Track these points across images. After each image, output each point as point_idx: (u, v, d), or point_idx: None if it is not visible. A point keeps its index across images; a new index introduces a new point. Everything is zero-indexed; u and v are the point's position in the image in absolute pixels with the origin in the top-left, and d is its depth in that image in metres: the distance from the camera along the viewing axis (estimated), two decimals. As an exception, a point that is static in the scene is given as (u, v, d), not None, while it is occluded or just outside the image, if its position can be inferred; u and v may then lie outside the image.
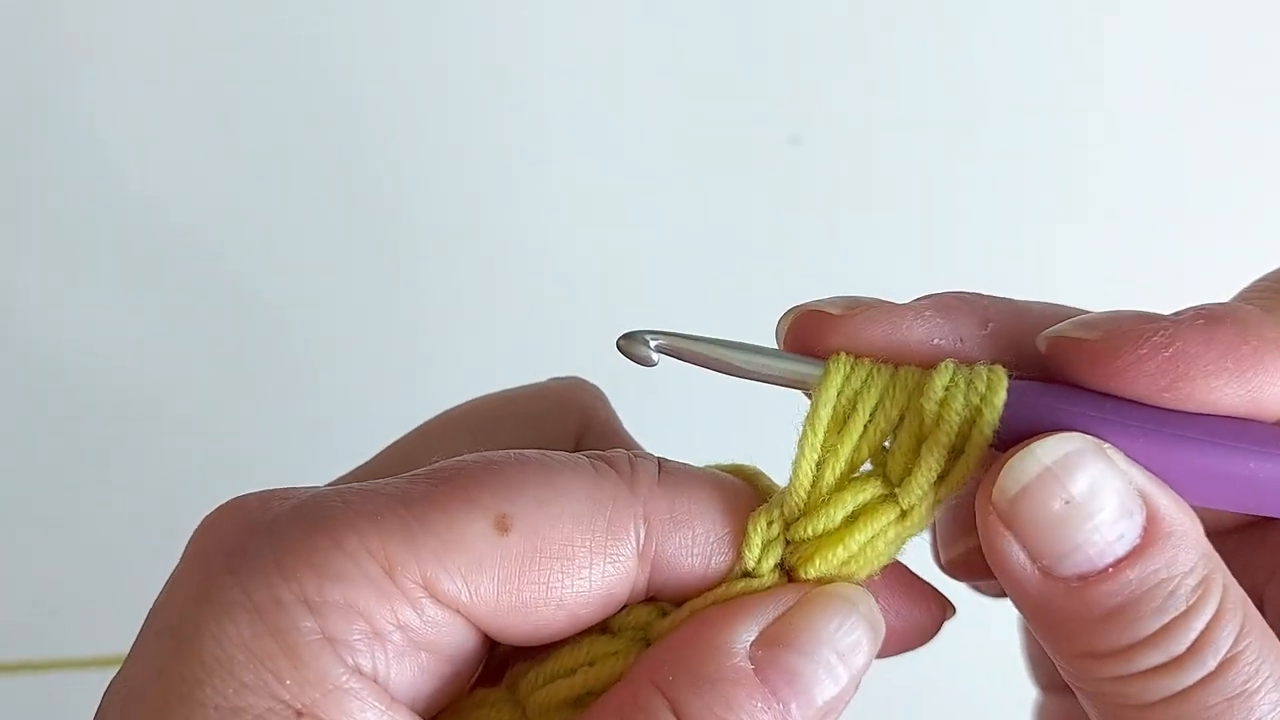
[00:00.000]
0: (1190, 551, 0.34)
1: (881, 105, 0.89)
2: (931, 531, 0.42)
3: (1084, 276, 0.83)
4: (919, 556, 0.39)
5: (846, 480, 0.36)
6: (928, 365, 0.36)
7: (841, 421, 0.36)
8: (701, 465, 0.38)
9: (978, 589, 0.44)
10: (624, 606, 0.36)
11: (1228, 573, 0.34)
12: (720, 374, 0.37)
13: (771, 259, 0.90)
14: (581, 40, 0.89)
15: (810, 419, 0.36)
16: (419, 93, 0.90)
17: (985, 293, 0.38)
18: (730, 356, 0.37)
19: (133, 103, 0.89)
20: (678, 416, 0.80)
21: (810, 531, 0.36)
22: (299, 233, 0.90)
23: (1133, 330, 0.35)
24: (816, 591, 0.36)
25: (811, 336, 0.37)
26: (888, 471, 0.36)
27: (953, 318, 0.37)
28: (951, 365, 0.35)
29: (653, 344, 0.37)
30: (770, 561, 0.36)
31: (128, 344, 0.89)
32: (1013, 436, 0.35)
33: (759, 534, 0.36)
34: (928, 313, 0.36)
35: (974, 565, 0.40)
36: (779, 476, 0.38)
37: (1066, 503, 0.33)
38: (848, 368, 0.36)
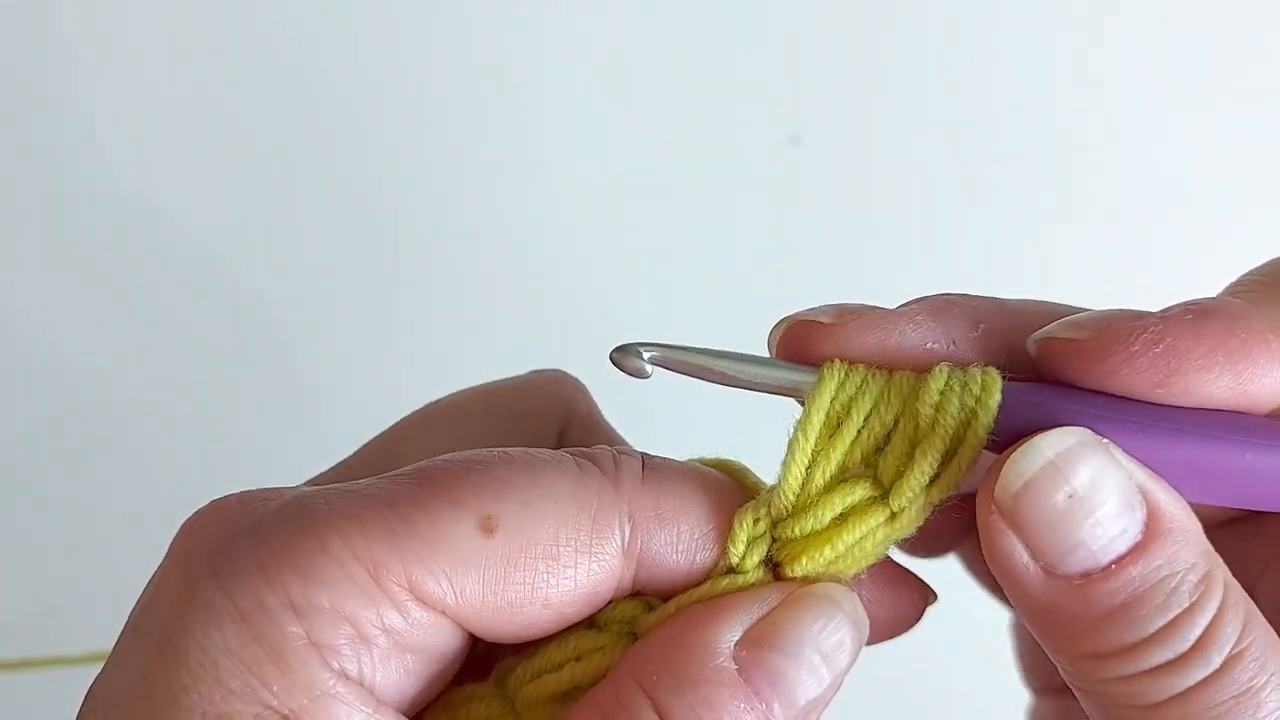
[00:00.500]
0: (1191, 548, 0.34)
1: (881, 105, 0.89)
2: None
3: (1084, 276, 0.83)
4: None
5: (836, 482, 0.36)
6: (921, 369, 0.36)
7: (834, 426, 0.36)
8: (687, 460, 0.38)
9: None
10: (610, 601, 0.36)
11: (1227, 570, 0.34)
12: (714, 384, 0.37)
13: (771, 259, 0.90)
14: (581, 40, 0.89)
15: (802, 424, 0.36)
16: (417, 91, 0.90)
17: (974, 293, 0.38)
18: (724, 366, 0.37)
19: (125, 100, 0.89)
20: (673, 415, 0.80)
21: (798, 531, 0.36)
22: (295, 232, 0.90)
23: (1122, 328, 0.35)
24: (801, 591, 0.36)
25: (804, 346, 0.37)
26: (879, 474, 0.36)
27: (944, 321, 0.37)
28: (946, 369, 0.36)
29: (646, 356, 0.37)
30: (755, 558, 0.36)
31: (125, 343, 0.89)
32: (1007, 438, 0.35)
33: (744, 530, 0.36)
34: (919, 317, 0.36)
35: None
36: (768, 474, 0.38)
37: (1070, 496, 0.33)
38: (842, 374, 0.36)
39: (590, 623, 0.37)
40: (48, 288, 0.89)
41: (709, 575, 0.36)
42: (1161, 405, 0.35)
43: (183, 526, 0.35)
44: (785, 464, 0.36)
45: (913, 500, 0.36)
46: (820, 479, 0.36)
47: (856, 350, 0.36)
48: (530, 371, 0.44)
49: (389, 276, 0.90)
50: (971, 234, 0.89)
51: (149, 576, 0.36)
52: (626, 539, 0.35)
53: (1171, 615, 0.33)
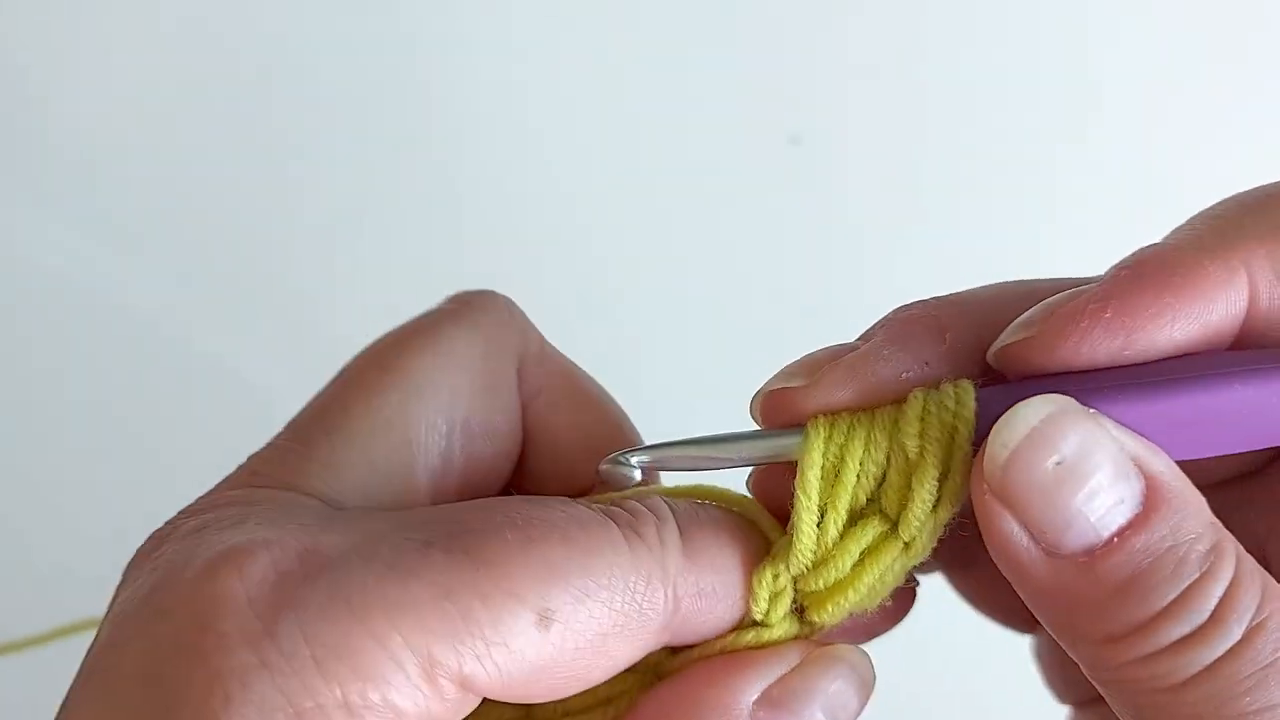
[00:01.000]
0: (1196, 518, 0.33)
1: (881, 105, 0.89)
2: None
3: (1084, 276, 0.83)
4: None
5: (848, 528, 0.37)
6: (902, 399, 0.36)
7: (833, 476, 0.37)
8: (709, 490, 0.39)
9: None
10: None
11: (1236, 541, 0.33)
12: (710, 470, 0.38)
13: (771, 259, 0.90)
14: (581, 39, 0.89)
15: (800, 483, 0.36)
16: (417, 89, 0.90)
17: (930, 296, 0.38)
18: (712, 452, 0.38)
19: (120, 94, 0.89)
20: (671, 414, 0.80)
21: (821, 584, 0.37)
22: (295, 233, 0.90)
23: (1067, 309, 0.35)
24: (821, 653, 0.37)
25: (785, 412, 0.37)
26: (883, 508, 0.37)
27: (910, 345, 0.36)
28: (921, 394, 0.36)
29: (635, 461, 0.38)
30: (780, 611, 0.37)
31: (118, 343, 0.89)
32: None
33: (765, 588, 0.37)
34: (885, 351, 0.36)
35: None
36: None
37: (1059, 463, 0.33)
38: (827, 429, 0.36)
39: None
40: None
41: (734, 628, 0.37)
42: (1134, 365, 0.34)
43: (194, 572, 0.33)
44: (795, 525, 0.37)
45: (921, 527, 0.36)
46: (834, 529, 0.37)
47: (836, 404, 0.36)
48: (454, 297, 0.42)
49: (390, 275, 0.90)
50: (971, 234, 0.89)
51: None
52: (668, 620, 0.35)
53: (1183, 586, 0.32)
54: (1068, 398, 0.34)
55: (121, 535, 0.37)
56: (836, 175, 0.90)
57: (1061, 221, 0.88)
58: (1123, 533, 0.33)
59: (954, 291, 0.38)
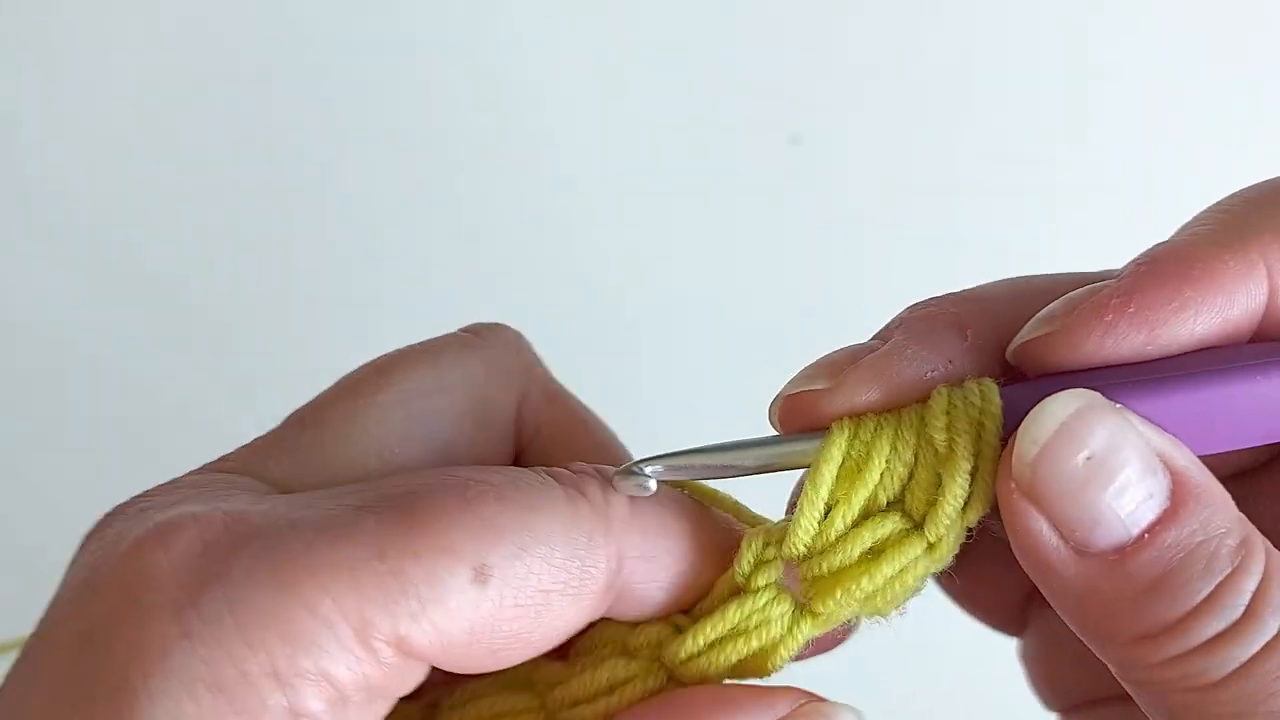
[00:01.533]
0: (1222, 513, 0.33)
1: (882, 105, 0.89)
2: None
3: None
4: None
5: (861, 520, 0.36)
6: (924, 399, 0.36)
7: (854, 473, 0.36)
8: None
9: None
10: (635, 626, 0.37)
11: (1261, 536, 0.33)
12: (727, 479, 0.37)
13: (771, 259, 0.89)
14: (580, 39, 0.89)
15: (812, 476, 0.36)
16: (416, 90, 0.90)
17: (945, 294, 0.37)
18: (729, 459, 0.36)
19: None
20: (670, 413, 0.80)
21: (825, 568, 0.36)
22: (293, 232, 0.90)
23: (1090, 304, 0.34)
24: (812, 707, 0.35)
25: (807, 416, 0.36)
26: (907, 509, 0.36)
27: (932, 343, 0.36)
28: (945, 391, 0.35)
29: (649, 471, 0.36)
30: (763, 580, 0.36)
31: (119, 342, 0.89)
32: None
33: (751, 550, 0.36)
34: (908, 350, 0.36)
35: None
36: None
37: (1088, 458, 0.32)
38: (851, 429, 0.36)
39: (621, 649, 0.37)
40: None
41: (717, 593, 0.36)
42: (1153, 360, 0.34)
43: (124, 548, 0.32)
44: (797, 509, 0.36)
45: (950, 526, 0.35)
46: (841, 523, 0.36)
47: (861, 406, 0.36)
48: (466, 328, 0.41)
49: (390, 276, 0.90)
50: (972, 234, 0.89)
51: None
52: (610, 578, 0.35)
53: (1215, 581, 0.32)
54: (1094, 392, 0.33)
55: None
56: (836, 175, 0.90)
57: (1061, 221, 0.88)
58: (1152, 529, 0.32)
59: (969, 288, 0.38)
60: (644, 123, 0.89)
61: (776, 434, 0.37)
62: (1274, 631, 0.32)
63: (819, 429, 0.36)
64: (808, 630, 0.37)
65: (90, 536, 0.35)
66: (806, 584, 0.36)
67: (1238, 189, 0.37)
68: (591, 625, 0.37)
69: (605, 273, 0.90)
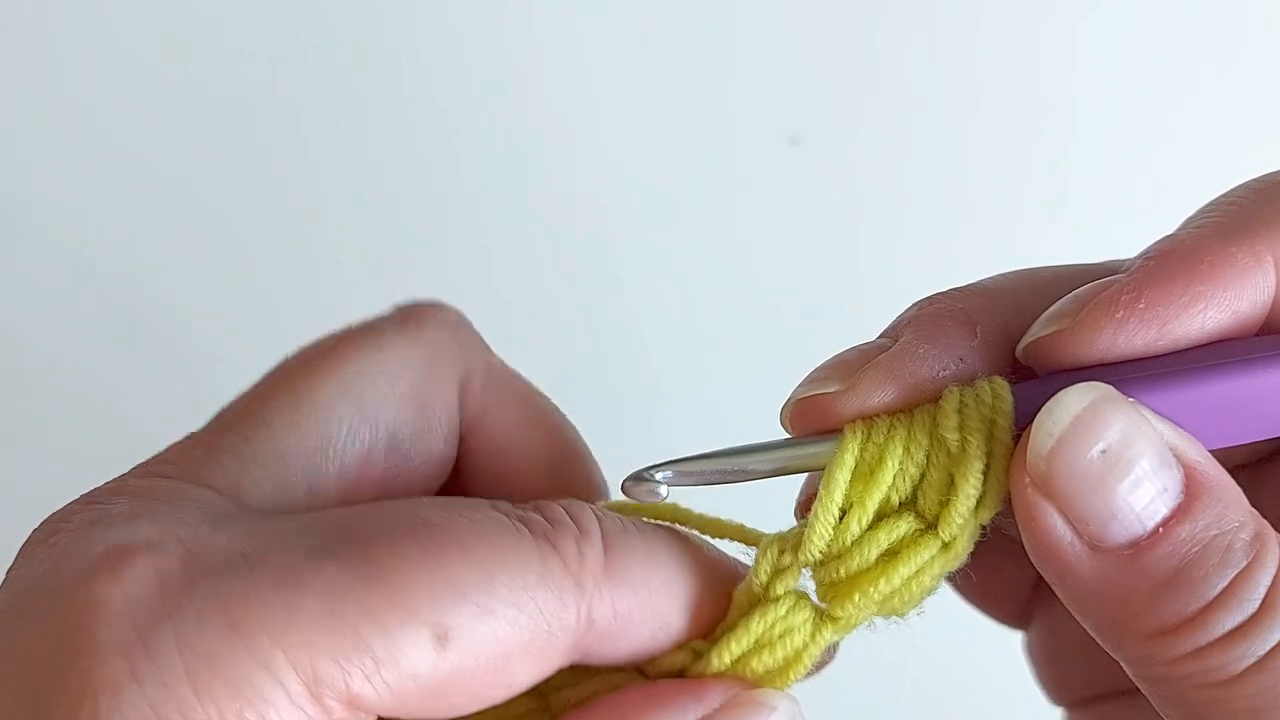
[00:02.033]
0: (1235, 507, 0.33)
1: (881, 105, 0.89)
2: None
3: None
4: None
5: (876, 522, 0.36)
6: (936, 398, 0.36)
7: (866, 475, 0.36)
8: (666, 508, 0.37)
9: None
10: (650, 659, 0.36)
11: (1273, 530, 0.33)
12: (739, 483, 0.36)
13: (771, 260, 0.89)
14: (579, 39, 0.89)
15: (826, 481, 0.35)
16: (415, 90, 0.90)
17: (952, 288, 0.37)
18: (740, 464, 0.36)
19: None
20: (669, 413, 0.80)
21: (843, 572, 0.36)
22: (294, 233, 0.90)
23: (1100, 300, 0.34)
24: (746, 696, 0.35)
25: (821, 419, 0.36)
26: (920, 509, 0.36)
27: (943, 342, 0.36)
28: (956, 390, 0.35)
29: (660, 477, 0.36)
30: (781, 586, 0.36)
31: (118, 344, 0.89)
32: None
33: (768, 559, 0.36)
34: (920, 349, 0.36)
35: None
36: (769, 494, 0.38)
37: (1104, 452, 0.32)
38: (865, 431, 0.36)
39: (638, 671, 0.36)
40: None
41: (736, 607, 0.36)
42: (1167, 355, 0.34)
43: (73, 575, 0.31)
44: (812, 514, 0.36)
45: (964, 525, 0.35)
46: (857, 526, 0.36)
47: (874, 408, 0.35)
48: (403, 308, 0.40)
49: (389, 276, 0.90)
50: (972, 234, 0.89)
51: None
52: (579, 639, 0.34)
53: (1231, 575, 0.32)
54: (1108, 385, 0.33)
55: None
56: (836, 175, 0.90)
57: (1061, 221, 0.88)
58: (1167, 523, 0.32)
59: (975, 281, 0.38)
60: (643, 122, 0.89)
61: (788, 437, 0.37)
62: None
63: (832, 432, 0.36)
64: (828, 636, 0.36)
65: (34, 543, 0.34)
66: (824, 589, 0.36)
67: (1244, 180, 0.36)
68: None
69: (603, 272, 0.90)
